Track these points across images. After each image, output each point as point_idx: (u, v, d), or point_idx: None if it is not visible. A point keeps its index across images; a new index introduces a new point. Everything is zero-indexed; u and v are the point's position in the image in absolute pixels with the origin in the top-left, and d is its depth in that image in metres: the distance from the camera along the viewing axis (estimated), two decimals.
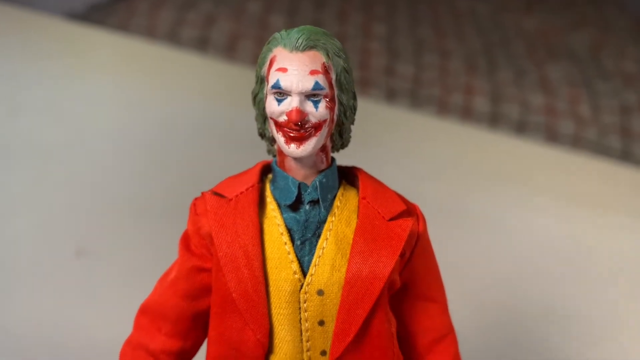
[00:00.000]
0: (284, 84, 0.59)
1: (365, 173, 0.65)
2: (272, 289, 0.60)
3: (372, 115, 1.66)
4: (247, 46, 1.84)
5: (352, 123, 0.64)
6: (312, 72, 0.59)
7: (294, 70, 0.59)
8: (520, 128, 1.75)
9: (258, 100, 0.62)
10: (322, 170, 0.62)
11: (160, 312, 0.65)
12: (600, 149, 1.72)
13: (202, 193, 0.64)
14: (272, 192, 0.63)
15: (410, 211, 0.64)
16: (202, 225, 0.63)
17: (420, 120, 1.70)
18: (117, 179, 1.33)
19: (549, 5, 2.21)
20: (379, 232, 0.61)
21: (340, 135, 0.63)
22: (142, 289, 1.08)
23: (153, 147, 1.44)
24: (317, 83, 0.59)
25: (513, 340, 1.07)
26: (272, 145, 0.64)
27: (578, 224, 1.38)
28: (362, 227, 0.61)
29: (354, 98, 0.63)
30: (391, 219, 0.62)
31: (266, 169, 0.65)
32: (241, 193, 0.62)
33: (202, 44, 1.84)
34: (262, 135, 0.64)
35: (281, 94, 0.59)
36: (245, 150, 1.62)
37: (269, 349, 0.61)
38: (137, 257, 1.15)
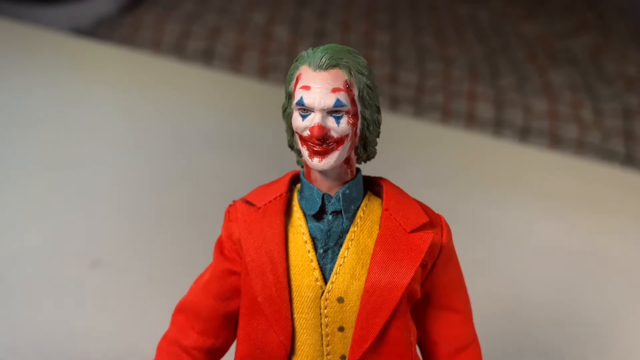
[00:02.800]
0: (307, 101, 0.61)
1: (390, 184, 0.67)
2: (295, 294, 0.63)
3: None
4: (252, 57, 1.86)
5: (378, 136, 0.66)
6: (334, 90, 0.61)
7: (317, 88, 0.61)
8: (524, 133, 1.76)
9: (287, 115, 0.65)
10: (346, 182, 0.64)
11: (193, 311, 0.68)
12: (603, 153, 1.73)
13: (234, 201, 0.67)
14: (299, 201, 0.65)
15: (434, 223, 0.66)
16: (233, 231, 0.66)
17: (424, 127, 1.71)
18: (129, 191, 1.35)
19: (549, 11, 2.23)
20: (400, 243, 0.63)
21: (364, 148, 0.65)
22: (157, 299, 1.09)
23: (162, 159, 1.46)
24: (338, 100, 0.61)
25: (519, 345, 1.08)
26: (301, 157, 0.66)
27: (583, 229, 1.39)
28: (383, 238, 0.63)
29: (378, 112, 0.65)
30: (412, 231, 0.64)
31: (295, 179, 0.68)
32: (269, 202, 0.65)
33: (207, 56, 1.86)
34: (291, 147, 0.67)
35: (305, 110, 0.62)
36: (252, 159, 1.63)
37: (291, 351, 0.64)
38: (151, 267, 1.16)
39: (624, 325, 1.14)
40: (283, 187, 0.66)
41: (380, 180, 0.67)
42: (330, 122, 0.61)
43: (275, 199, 0.65)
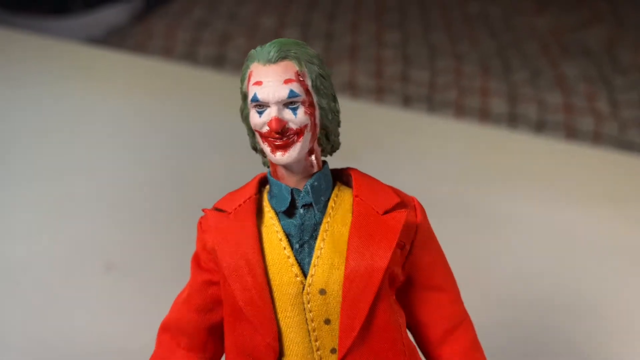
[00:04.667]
0: (261, 96, 0.61)
1: (359, 172, 0.67)
2: (276, 293, 0.62)
3: (389, 122, 1.67)
4: None
5: (338, 126, 0.66)
6: (287, 81, 0.61)
7: (269, 81, 0.61)
8: (539, 127, 1.74)
9: (245, 116, 0.65)
10: (313, 174, 0.64)
11: (178, 328, 0.68)
12: (621, 144, 1.71)
13: (204, 210, 0.67)
14: (269, 201, 0.65)
15: (406, 203, 0.65)
16: (207, 241, 0.65)
17: (438, 124, 1.70)
18: (142, 196, 1.36)
19: (561, 4, 2.21)
20: (374, 226, 0.63)
21: (327, 139, 0.65)
22: (170, 302, 1.10)
23: (175, 164, 1.47)
24: (292, 91, 0.61)
25: (534, 336, 1.07)
26: (265, 157, 0.66)
27: (601, 220, 1.37)
28: (356, 223, 0.63)
29: (335, 101, 0.65)
30: (385, 212, 0.63)
31: (264, 181, 0.67)
32: (239, 206, 0.65)
33: (218, 62, 1.87)
34: (255, 148, 0.67)
35: (261, 106, 0.62)
36: (264, 164, 1.64)
37: (280, 352, 0.63)
38: (165, 270, 1.17)
39: None
40: (252, 190, 0.65)
41: (348, 170, 0.67)
42: (287, 114, 0.61)
43: (244, 202, 0.64)
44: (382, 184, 0.66)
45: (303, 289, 0.62)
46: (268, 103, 0.61)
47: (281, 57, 0.62)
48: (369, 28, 2.02)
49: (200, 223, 0.67)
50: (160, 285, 1.13)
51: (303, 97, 0.62)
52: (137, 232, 1.25)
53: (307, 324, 0.62)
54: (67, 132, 1.55)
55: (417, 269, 0.66)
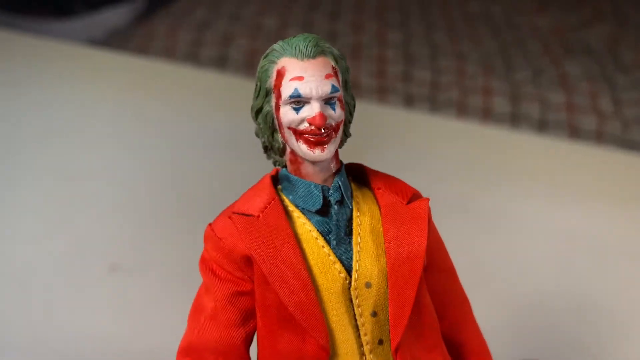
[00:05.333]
0: (304, 91, 0.60)
1: (366, 166, 0.67)
2: (323, 293, 0.61)
3: (391, 122, 1.67)
4: None
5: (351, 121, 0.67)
6: (327, 76, 0.61)
7: (311, 77, 0.60)
8: (542, 126, 1.74)
9: (265, 114, 0.63)
10: (338, 170, 0.64)
11: (207, 348, 0.63)
12: (623, 143, 1.70)
13: (224, 216, 0.64)
14: (292, 200, 0.64)
15: (417, 193, 0.67)
16: (233, 248, 0.62)
17: (441, 123, 1.71)
18: (146, 196, 1.36)
19: (562, 3, 2.21)
20: (404, 215, 0.63)
21: (345, 134, 0.65)
22: (176, 303, 1.10)
23: (178, 165, 1.47)
24: (333, 86, 0.61)
25: (540, 336, 1.07)
26: (282, 157, 0.65)
27: (604, 219, 1.37)
28: (387, 215, 0.63)
29: (352, 97, 0.66)
30: (408, 202, 0.64)
31: (274, 181, 0.66)
32: (265, 208, 0.63)
33: (221, 62, 1.88)
34: (270, 148, 0.65)
35: (298, 102, 0.61)
36: (269, 164, 1.64)
37: (332, 352, 0.62)
38: (169, 271, 1.17)
39: None
40: (270, 190, 0.64)
41: (356, 165, 0.67)
42: (328, 110, 0.61)
43: (270, 204, 0.63)
44: (393, 176, 0.67)
45: (350, 285, 0.62)
46: (310, 99, 0.60)
47: (318, 52, 0.61)
48: (370, 28, 2.03)
49: (212, 230, 0.64)
50: (164, 287, 1.13)
51: (340, 92, 0.62)
52: (142, 234, 1.26)
53: (356, 320, 0.62)
54: (69, 133, 1.55)
55: (432, 252, 0.67)
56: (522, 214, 1.38)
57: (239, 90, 1.76)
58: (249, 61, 1.88)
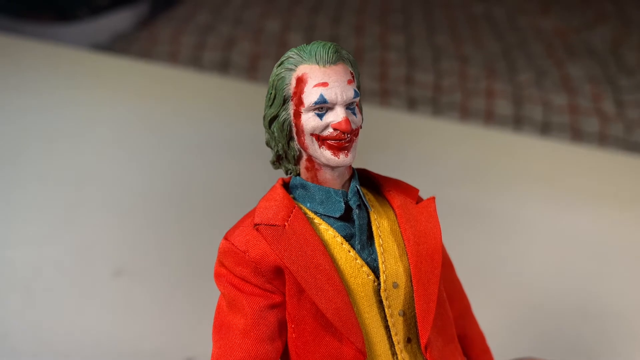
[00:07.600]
0: (329, 97, 0.60)
1: (372, 171, 0.68)
2: (355, 297, 0.62)
3: (394, 125, 1.67)
4: (267, 65, 1.87)
5: None
6: (349, 82, 0.62)
7: (335, 82, 0.61)
8: (545, 129, 1.74)
9: (281, 122, 0.63)
10: (352, 175, 0.65)
11: None
12: (626, 145, 1.70)
13: (244, 228, 0.62)
14: (311, 208, 0.64)
15: (418, 192, 0.68)
16: (261, 260, 0.61)
17: (443, 126, 1.71)
18: (149, 200, 1.37)
19: (566, 4, 2.21)
20: (417, 214, 0.65)
21: None
22: (179, 306, 1.10)
23: (182, 168, 1.47)
24: (355, 91, 0.62)
25: (546, 338, 1.07)
26: (296, 165, 0.64)
27: (607, 221, 1.37)
28: (402, 215, 0.64)
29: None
30: (417, 202, 0.66)
31: (286, 188, 0.66)
32: (289, 217, 0.62)
33: (223, 66, 1.88)
34: (284, 156, 0.64)
35: (321, 108, 0.61)
36: (271, 167, 1.64)
37: (368, 355, 0.62)
38: (174, 275, 1.17)
39: None
40: (290, 200, 0.63)
41: (358, 170, 0.68)
42: (350, 115, 0.61)
43: (292, 212, 0.62)
44: (395, 179, 0.68)
45: (379, 287, 0.63)
46: (335, 104, 0.61)
47: (338, 58, 0.62)
48: (373, 31, 2.03)
49: (232, 244, 0.62)
50: (169, 290, 1.14)
51: (359, 97, 0.63)
52: (147, 237, 1.26)
53: (387, 320, 0.63)
54: (74, 137, 1.56)
55: None
56: (525, 215, 1.38)
57: (241, 94, 1.77)
58: (251, 64, 1.88)
